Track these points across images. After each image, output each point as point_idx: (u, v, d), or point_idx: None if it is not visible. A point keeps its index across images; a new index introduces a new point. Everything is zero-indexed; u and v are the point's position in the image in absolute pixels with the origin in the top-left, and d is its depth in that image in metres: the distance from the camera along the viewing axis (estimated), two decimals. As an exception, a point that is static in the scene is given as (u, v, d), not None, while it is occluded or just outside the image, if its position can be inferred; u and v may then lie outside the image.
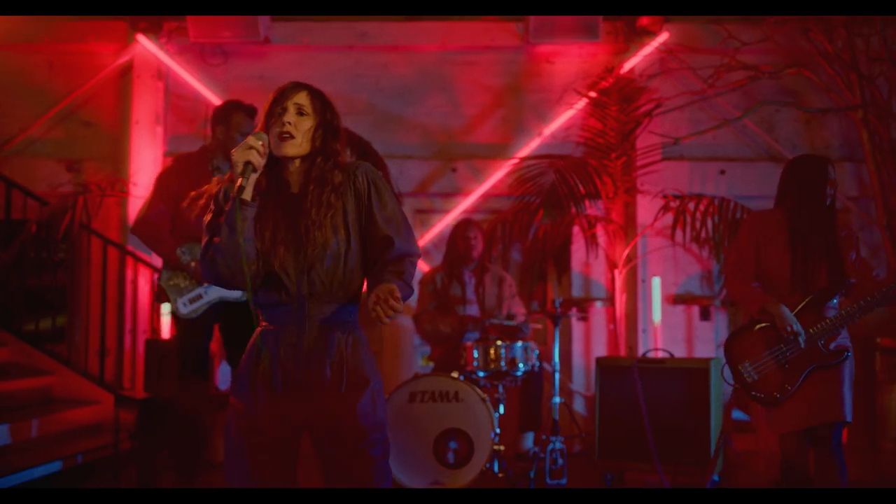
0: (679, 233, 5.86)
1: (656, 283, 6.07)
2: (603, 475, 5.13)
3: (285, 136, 2.42)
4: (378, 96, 6.59)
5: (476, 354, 5.04)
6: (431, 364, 6.55)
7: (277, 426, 2.43)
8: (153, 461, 4.94)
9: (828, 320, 3.67)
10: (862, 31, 5.85)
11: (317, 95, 2.51)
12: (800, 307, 3.72)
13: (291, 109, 2.45)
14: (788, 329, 3.69)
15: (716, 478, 4.91)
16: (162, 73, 6.45)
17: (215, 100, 6.36)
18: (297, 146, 2.44)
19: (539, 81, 6.56)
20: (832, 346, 3.70)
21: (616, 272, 6.14)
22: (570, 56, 6.52)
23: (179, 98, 6.53)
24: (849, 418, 3.64)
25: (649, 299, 6.17)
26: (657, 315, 6.05)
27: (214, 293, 4.51)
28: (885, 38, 5.62)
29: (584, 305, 6.32)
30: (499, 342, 5.07)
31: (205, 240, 2.45)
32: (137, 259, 6.13)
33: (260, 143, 2.35)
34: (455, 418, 4.66)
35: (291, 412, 2.43)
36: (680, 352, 6.16)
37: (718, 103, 6.36)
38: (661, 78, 6.29)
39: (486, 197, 6.44)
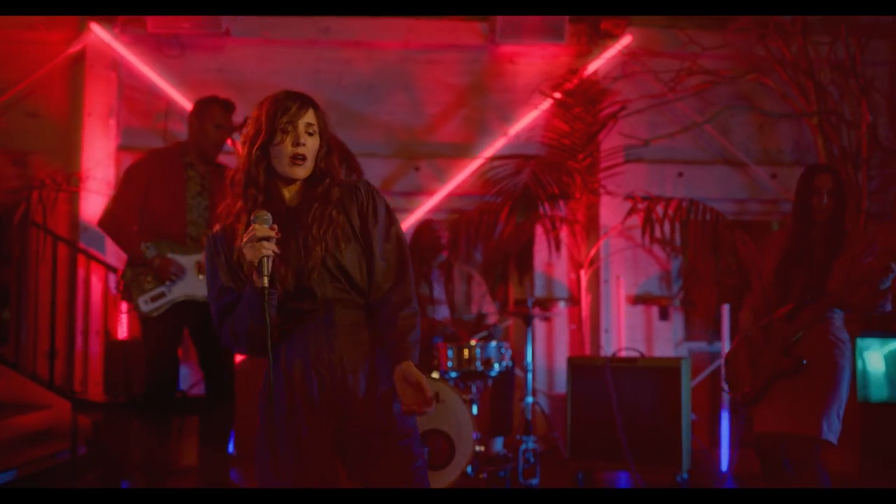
0: (641, 233, 5.95)
1: (620, 283, 6.15)
2: (574, 475, 5.16)
3: (299, 161, 2.33)
4: (340, 93, 6.48)
5: (451, 354, 5.01)
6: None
7: (317, 434, 2.36)
8: (119, 466, 4.77)
9: (788, 327, 3.69)
10: (822, 40, 6.04)
11: (319, 111, 2.41)
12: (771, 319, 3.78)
13: (302, 129, 2.34)
14: (742, 333, 3.87)
15: (685, 475, 5.00)
16: (115, 64, 6.20)
17: (173, 93, 6.18)
18: (308, 169, 2.37)
19: (502, 81, 6.57)
20: (797, 349, 3.69)
21: (582, 272, 6.19)
22: (532, 57, 6.55)
23: (133, 90, 6.29)
24: (827, 437, 3.56)
25: (611, 299, 6.25)
26: (621, 315, 6.12)
27: (178, 292, 4.38)
28: (849, 45, 5.81)
29: (546, 305, 6.34)
30: (472, 342, 5.05)
31: (219, 305, 2.39)
32: (90, 257, 5.89)
33: (267, 227, 2.24)
34: (436, 419, 4.62)
35: (329, 419, 2.36)
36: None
37: (677, 107, 6.48)
38: (622, 81, 6.37)
39: (450, 197, 6.42)
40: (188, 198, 4.46)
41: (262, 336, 2.23)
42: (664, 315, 6.45)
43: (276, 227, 2.26)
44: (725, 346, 5.92)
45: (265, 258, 2.21)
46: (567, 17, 6.12)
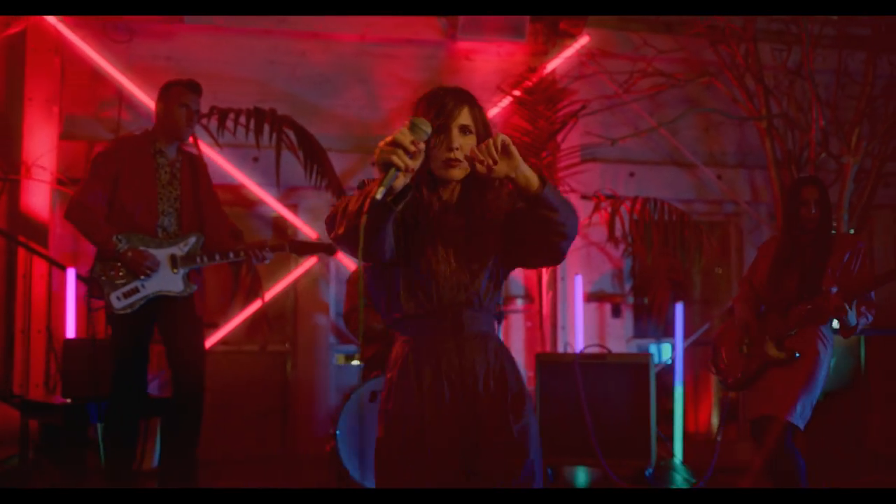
0: (600, 232, 6.04)
1: (578, 280, 6.21)
2: (543, 470, 5.19)
3: (452, 164, 2.25)
4: (294, 85, 6.33)
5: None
6: (353, 364, 6.40)
7: (445, 444, 2.28)
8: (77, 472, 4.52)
9: (784, 321, 3.92)
10: (778, 47, 6.26)
11: (476, 107, 2.32)
12: (765, 309, 4.02)
13: (456, 132, 2.25)
14: (740, 324, 4.07)
15: (649, 471, 5.09)
16: (59, 48, 5.86)
17: (121, 78, 5.89)
18: (464, 170, 2.28)
19: (458, 78, 6.52)
20: (791, 343, 3.91)
21: (543, 269, 6.22)
22: (489, 54, 6.54)
23: (76, 76, 5.96)
24: (795, 421, 3.79)
25: (567, 297, 6.31)
26: (578, 312, 6.19)
27: (153, 287, 4.18)
28: (807, 53, 6.03)
29: (504, 303, 6.36)
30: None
31: (334, 211, 2.24)
32: (31, 251, 5.55)
33: (410, 139, 2.06)
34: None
35: (457, 427, 2.29)
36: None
37: (629, 108, 6.59)
38: (578, 81, 6.44)
39: (406, 193, 6.34)
40: (158, 187, 4.27)
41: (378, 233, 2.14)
42: (616, 312, 6.57)
43: (420, 139, 2.09)
44: (679, 343, 6.08)
45: (392, 168, 2.03)
46: (528, 17, 6.15)
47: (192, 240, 4.29)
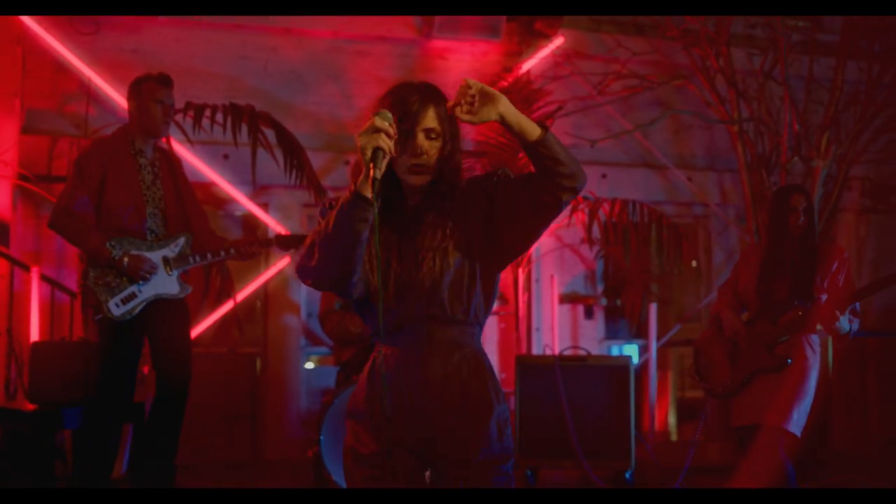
0: (574, 233, 6.03)
1: (554, 282, 6.19)
2: (524, 472, 5.15)
3: (418, 170, 2.19)
4: (266, 81, 6.19)
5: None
6: (324, 366, 6.28)
7: (405, 456, 2.22)
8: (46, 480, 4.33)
9: (774, 327, 3.93)
10: (751, 51, 6.32)
11: (441, 106, 2.21)
12: (754, 316, 4.02)
13: (421, 136, 2.17)
14: (729, 331, 4.04)
15: (628, 473, 5.09)
16: (20, 38, 5.63)
17: (87, 71, 5.68)
18: (428, 176, 2.21)
19: (433, 77, 6.30)
20: (780, 350, 3.93)
21: (520, 270, 6.19)
22: (463, 53, 6.49)
23: (39, 68, 5.74)
24: (791, 429, 3.81)
25: (543, 299, 6.29)
26: (554, 314, 6.17)
27: (150, 291, 4.05)
28: (784, 57, 6.09)
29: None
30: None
31: (311, 239, 2.16)
32: (-10, 250, 5.33)
33: (387, 123, 2.04)
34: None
35: (417, 440, 2.22)
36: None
37: (603, 110, 6.60)
38: (553, 82, 6.42)
39: (379, 192, 6.24)
40: (143, 188, 4.13)
41: (356, 240, 2.08)
42: (589, 314, 6.57)
43: (394, 125, 2.07)
44: (653, 344, 6.10)
45: (378, 150, 2.02)
46: (504, 17, 6.12)
47: (182, 240, 4.17)
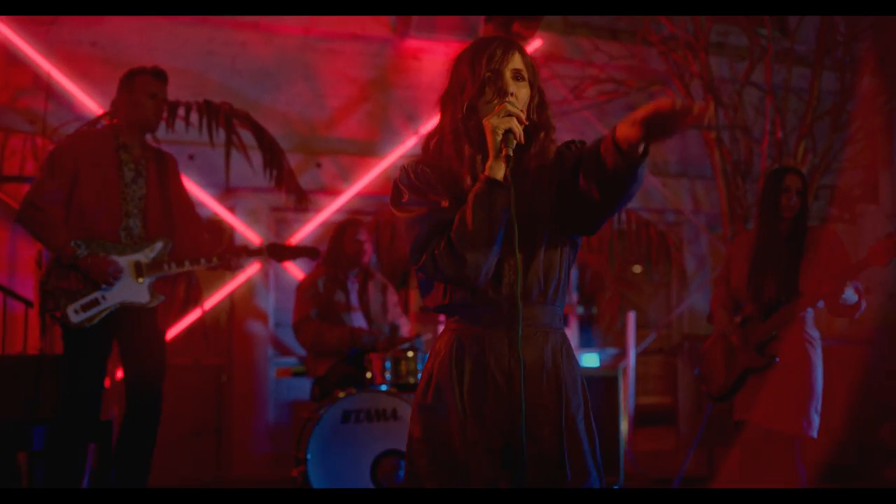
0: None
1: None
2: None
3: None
4: (234, 78, 5.90)
5: (388, 366, 4.67)
6: (299, 376, 6.00)
7: (484, 447, 2.03)
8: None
9: (762, 326, 3.85)
10: (734, 61, 6.28)
11: (525, 54, 2.12)
12: (747, 316, 3.95)
13: (508, 76, 2.04)
14: (725, 331, 3.99)
15: (617, 486, 4.98)
16: (-30, 28, 5.25)
17: (45, 64, 5.33)
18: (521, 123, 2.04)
19: (406, 77, 6.26)
20: (772, 349, 3.85)
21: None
22: (436, 54, 6.29)
23: (-10, 59, 5.37)
24: (808, 432, 3.73)
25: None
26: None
27: (115, 298, 3.75)
28: (773, 67, 6.06)
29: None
30: (410, 353, 4.75)
31: (434, 221, 2.02)
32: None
33: (518, 108, 1.98)
34: (393, 439, 4.25)
35: (497, 429, 2.03)
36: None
37: (579, 115, 6.48)
38: (529, 85, 6.29)
39: (350, 197, 6.01)
40: (122, 186, 3.83)
41: (499, 227, 1.96)
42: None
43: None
44: (631, 353, 6.01)
45: (510, 132, 1.94)
46: (483, 17, 5.95)
47: (159, 245, 3.87)
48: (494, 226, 1.95)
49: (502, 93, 2.03)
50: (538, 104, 2.12)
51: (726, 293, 4.10)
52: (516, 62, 2.07)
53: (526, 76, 2.08)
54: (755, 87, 6.25)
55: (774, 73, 6.31)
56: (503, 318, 2.03)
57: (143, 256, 3.83)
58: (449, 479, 2.03)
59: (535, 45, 6.26)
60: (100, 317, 3.70)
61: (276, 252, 4.19)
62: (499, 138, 1.93)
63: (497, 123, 1.94)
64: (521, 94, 2.06)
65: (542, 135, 2.10)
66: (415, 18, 5.85)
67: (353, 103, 6.16)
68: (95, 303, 3.72)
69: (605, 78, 6.27)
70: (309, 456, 4.11)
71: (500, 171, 1.95)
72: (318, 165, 5.97)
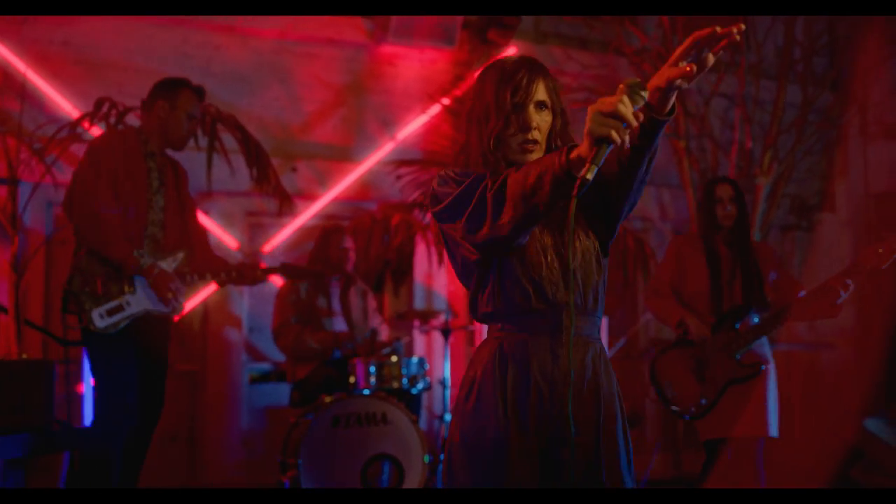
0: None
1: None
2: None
3: (528, 147, 2.09)
4: (208, 81, 5.66)
5: (373, 371, 4.67)
6: (278, 382, 5.94)
7: (525, 454, 2.04)
8: None
9: (739, 335, 3.91)
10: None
11: (549, 78, 2.15)
12: (714, 325, 3.98)
13: (531, 109, 2.08)
14: (701, 336, 3.95)
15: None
16: (-63, 24, 5.10)
17: (17, 63, 5.19)
18: (540, 151, 2.11)
19: (381, 83, 6.27)
20: (745, 358, 3.92)
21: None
22: (412, 60, 6.32)
23: (-42, 57, 5.21)
24: (772, 433, 3.86)
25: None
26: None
27: (140, 305, 3.71)
28: (747, 80, 6.21)
29: (427, 318, 6.12)
30: (394, 358, 4.75)
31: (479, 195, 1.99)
32: None
33: (632, 110, 1.74)
34: (383, 443, 4.25)
35: (538, 438, 2.05)
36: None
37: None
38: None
39: (326, 202, 5.99)
40: (149, 193, 3.82)
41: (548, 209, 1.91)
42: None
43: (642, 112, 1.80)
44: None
45: (606, 144, 1.74)
46: (460, 23, 5.99)
47: (181, 255, 3.86)
48: (549, 203, 1.88)
49: (525, 128, 2.07)
50: (561, 127, 2.15)
51: (676, 299, 4.09)
52: (540, 93, 2.09)
53: (549, 104, 2.12)
54: (723, 98, 6.40)
55: (747, 85, 6.49)
56: (547, 326, 2.06)
57: (167, 265, 3.79)
58: (487, 483, 2.04)
59: (508, 54, 6.31)
60: (124, 322, 3.66)
61: (290, 271, 4.22)
62: (593, 140, 1.75)
63: (597, 125, 1.74)
64: (543, 125, 2.10)
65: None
66: (392, 24, 5.85)
67: (329, 108, 6.15)
68: (120, 308, 3.67)
69: (578, 87, 6.36)
70: (301, 461, 4.08)
71: (578, 169, 1.81)
72: (294, 170, 5.93)
